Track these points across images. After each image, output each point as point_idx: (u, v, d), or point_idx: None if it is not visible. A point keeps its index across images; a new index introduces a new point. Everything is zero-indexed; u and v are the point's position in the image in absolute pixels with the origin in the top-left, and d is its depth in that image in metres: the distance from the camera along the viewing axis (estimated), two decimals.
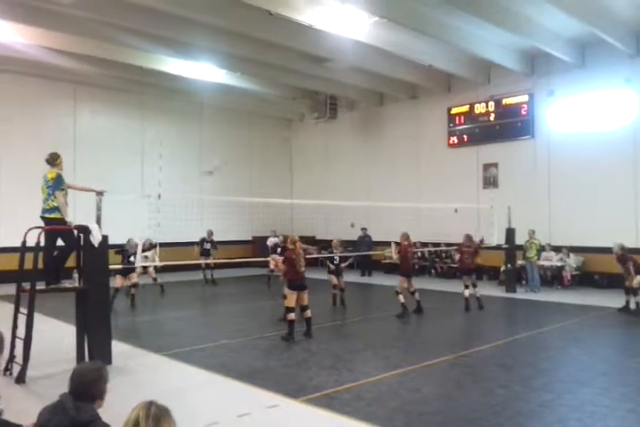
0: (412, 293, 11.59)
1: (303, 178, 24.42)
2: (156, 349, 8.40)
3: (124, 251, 12.58)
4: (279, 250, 14.48)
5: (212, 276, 16.78)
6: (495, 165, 18.06)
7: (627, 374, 7.20)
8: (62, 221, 7.30)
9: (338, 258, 12.90)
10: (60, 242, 7.51)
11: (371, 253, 17.75)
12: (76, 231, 7.43)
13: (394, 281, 12.54)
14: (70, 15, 12.78)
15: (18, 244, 7.22)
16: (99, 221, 7.76)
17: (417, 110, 20.19)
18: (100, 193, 7.92)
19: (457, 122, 18.89)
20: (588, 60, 15.72)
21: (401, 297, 11.26)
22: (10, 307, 7.53)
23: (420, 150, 20.01)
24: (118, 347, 7.98)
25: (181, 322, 11.35)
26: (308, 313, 9.42)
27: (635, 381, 6.81)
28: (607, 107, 15.45)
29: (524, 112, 17.17)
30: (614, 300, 12.48)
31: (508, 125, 17.51)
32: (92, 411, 2.92)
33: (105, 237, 7.51)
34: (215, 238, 17.00)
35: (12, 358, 6.92)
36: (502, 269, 15.70)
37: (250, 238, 21.85)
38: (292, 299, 9.30)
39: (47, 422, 2.91)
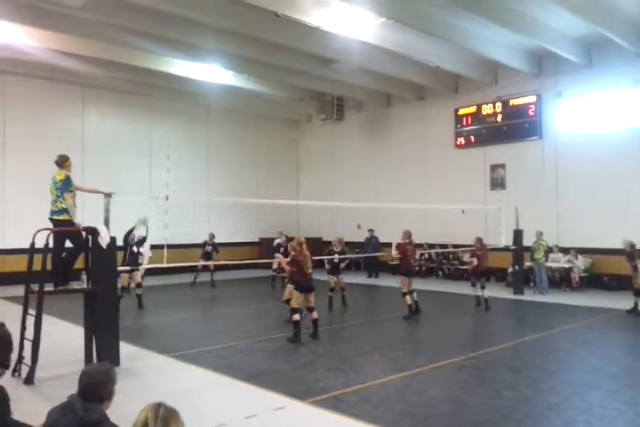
0: (410, 292, 11.38)
1: (310, 179, 24.43)
2: (163, 350, 8.43)
3: (129, 238, 12.56)
4: (282, 250, 14.52)
5: (211, 278, 16.75)
6: (502, 166, 18.01)
7: (636, 377, 7.16)
8: (71, 223, 7.34)
9: (337, 257, 12.83)
10: (68, 244, 7.55)
11: (377, 254, 17.72)
12: (84, 233, 7.46)
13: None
14: (78, 18, 12.87)
15: (26, 245, 7.26)
16: (107, 223, 7.78)
17: (424, 111, 20.17)
18: (108, 195, 7.94)
19: (464, 123, 18.85)
20: (595, 61, 15.66)
21: (408, 298, 11.23)
22: (18, 308, 7.56)
23: (428, 151, 19.98)
24: (125, 348, 7.99)
25: (187, 323, 11.38)
26: (315, 315, 9.42)
27: None
28: (615, 107, 15.38)
29: (531, 113, 17.11)
30: (623, 302, 12.40)
31: (516, 126, 17.46)
32: (101, 412, 2.93)
33: (113, 239, 7.55)
34: (222, 240, 17.02)
35: (20, 359, 6.95)
36: (510, 270, 15.64)
37: (257, 240, 21.88)
38: (297, 300, 9.30)
39: (56, 423, 2.92)
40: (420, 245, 18.42)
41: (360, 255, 19.58)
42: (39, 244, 7.09)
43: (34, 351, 6.74)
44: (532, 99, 17.11)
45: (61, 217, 7.33)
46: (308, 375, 7.12)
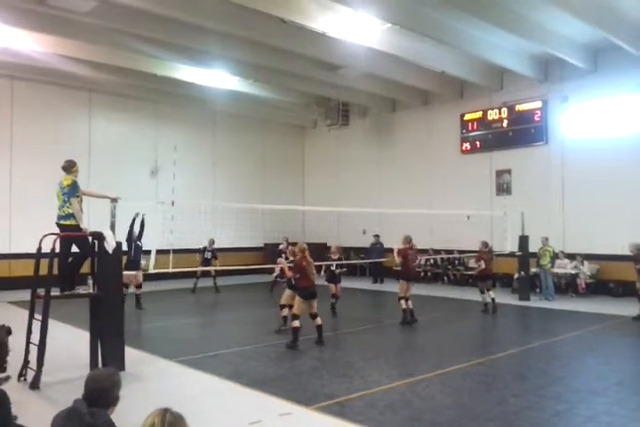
0: (406, 299, 11.21)
1: (315, 185, 24.46)
2: (168, 355, 8.43)
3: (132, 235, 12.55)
4: (284, 256, 14.49)
5: (215, 284, 16.73)
6: (508, 171, 17.98)
7: None
8: (77, 228, 7.35)
9: (335, 264, 12.78)
10: (74, 248, 7.58)
11: (382, 259, 17.70)
12: (90, 238, 7.49)
13: None
14: (86, 23, 12.95)
15: (33, 250, 7.29)
16: (113, 228, 7.82)
17: (429, 117, 20.18)
18: (114, 200, 7.97)
19: (470, 128, 18.85)
20: (601, 66, 15.65)
21: (403, 303, 11.12)
22: (25, 313, 7.59)
23: (433, 157, 19.97)
24: (130, 353, 7.99)
25: (191, 328, 11.38)
26: (319, 321, 9.39)
27: None
28: (621, 112, 15.36)
29: (537, 118, 17.09)
30: (629, 308, 12.34)
31: (522, 132, 17.44)
32: (106, 417, 2.94)
33: (119, 244, 7.58)
34: (227, 245, 16.99)
35: (26, 363, 6.97)
36: (516, 276, 15.59)
37: (261, 245, 21.88)
38: (300, 307, 9.28)
39: None
40: (425, 251, 18.44)
41: (365, 261, 19.57)
42: (46, 249, 7.11)
43: (39, 356, 6.74)
44: (538, 104, 17.10)
45: (68, 222, 7.35)
46: (312, 381, 7.10)
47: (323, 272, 12.75)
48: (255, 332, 10.69)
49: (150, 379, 7.27)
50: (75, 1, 11.52)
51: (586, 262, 15.63)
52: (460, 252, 17.59)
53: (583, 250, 15.68)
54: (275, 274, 15.34)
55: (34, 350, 6.86)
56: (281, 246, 16.06)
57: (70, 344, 8.85)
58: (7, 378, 5.11)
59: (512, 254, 14.96)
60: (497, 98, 18.19)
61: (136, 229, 12.67)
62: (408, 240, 11.57)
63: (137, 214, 12.25)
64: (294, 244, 10.34)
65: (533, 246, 14.97)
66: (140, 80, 17.65)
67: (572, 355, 8.77)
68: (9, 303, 13.52)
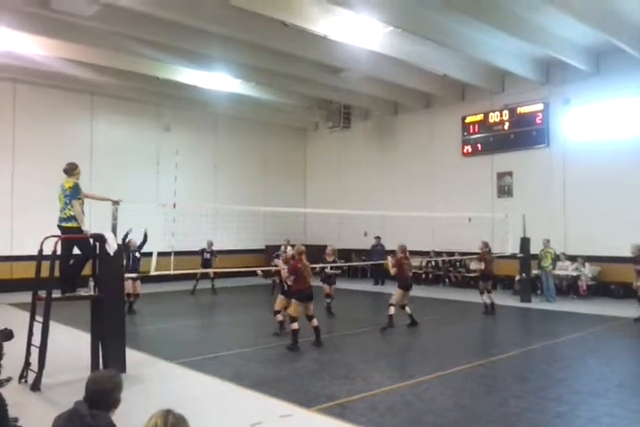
0: (403, 307, 11.15)
1: (317, 187, 24.49)
2: (168, 357, 8.43)
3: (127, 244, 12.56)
4: (280, 258, 14.46)
5: (212, 285, 16.77)
6: (510, 173, 17.98)
7: None
8: (79, 230, 7.38)
9: (329, 266, 12.74)
10: (76, 250, 7.60)
11: (383, 261, 17.68)
12: (91, 240, 7.51)
13: None
14: (88, 27, 12.98)
15: (34, 252, 7.30)
16: (114, 230, 7.84)
17: (431, 119, 20.20)
18: (115, 202, 8.00)
19: (471, 131, 18.86)
20: (603, 69, 15.65)
21: (392, 309, 10.96)
22: (26, 315, 7.60)
23: (434, 159, 19.98)
24: (131, 355, 8.00)
25: (191, 330, 11.41)
26: (315, 322, 9.39)
27: None
28: (623, 115, 15.36)
29: (538, 121, 17.09)
30: (630, 310, 12.35)
31: (523, 134, 17.44)
32: (107, 419, 2.95)
33: (120, 246, 7.60)
34: (229, 247, 17.01)
35: (27, 365, 6.98)
36: (517, 278, 15.58)
37: (263, 247, 21.88)
38: (297, 309, 9.27)
39: None
40: (426, 253, 18.45)
41: (366, 263, 19.58)
42: (47, 251, 7.13)
43: (41, 358, 6.76)
44: (540, 107, 17.10)
45: (69, 224, 7.38)
46: (313, 383, 7.10)
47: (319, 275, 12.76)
48: (255, 334, 10.69)
49: (151, 381, 7.28)
50: (78, 5, 11.55)
51: (587, 264, 15.62)
52: (462, 254, 17.61)
53: (584, 252, 15.68)
54: (273, 278, 15.32)
55: (35, 352, 6.86)
56: (279, 251, 16.04)
57: (71, 346, 8.86)
58: (8, 380, 5.14)
59: (513, 256, 14.96)
60: (498, 100, 18.19)
61: (138, 241, 12.74)
62: (402, 249, 11.48)
63: (130, 230, 12.25)
64: (294, 246, 10.35)
65: (535, 248, 14.97)
66: (142, 83, 17.69)
67: (573, 356, 8.77)
68: (10, 305, 13.55)
